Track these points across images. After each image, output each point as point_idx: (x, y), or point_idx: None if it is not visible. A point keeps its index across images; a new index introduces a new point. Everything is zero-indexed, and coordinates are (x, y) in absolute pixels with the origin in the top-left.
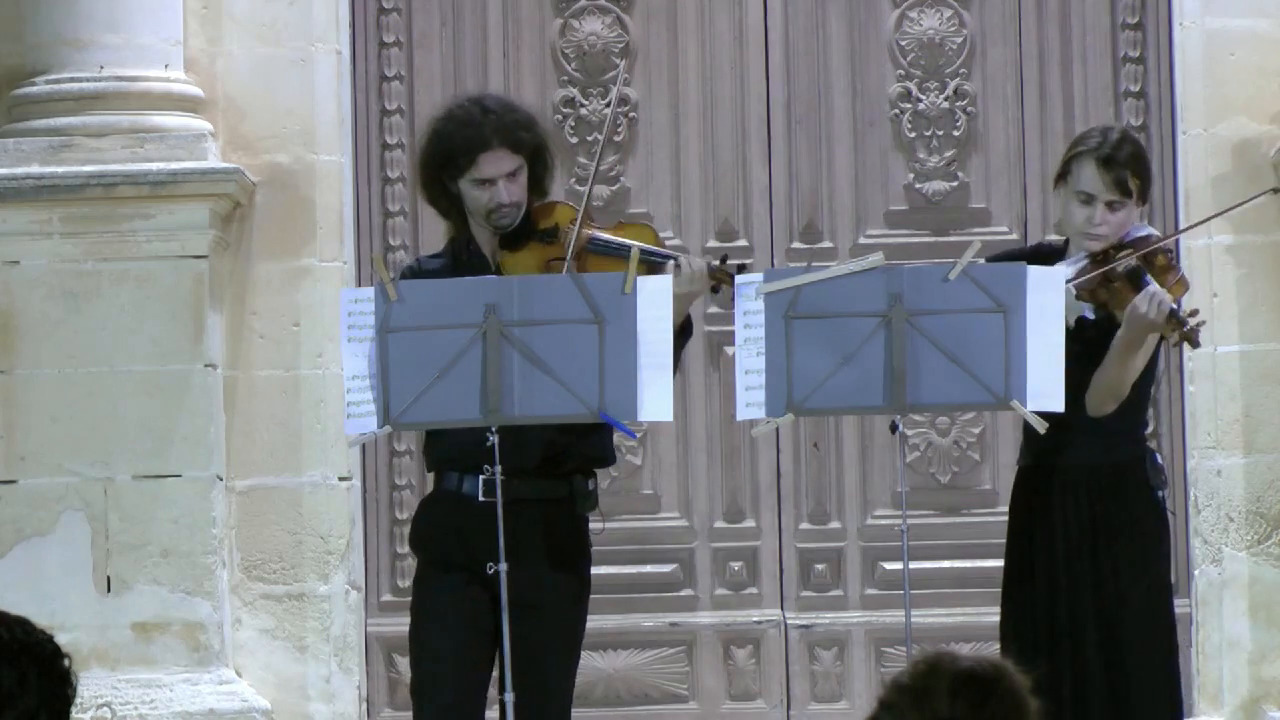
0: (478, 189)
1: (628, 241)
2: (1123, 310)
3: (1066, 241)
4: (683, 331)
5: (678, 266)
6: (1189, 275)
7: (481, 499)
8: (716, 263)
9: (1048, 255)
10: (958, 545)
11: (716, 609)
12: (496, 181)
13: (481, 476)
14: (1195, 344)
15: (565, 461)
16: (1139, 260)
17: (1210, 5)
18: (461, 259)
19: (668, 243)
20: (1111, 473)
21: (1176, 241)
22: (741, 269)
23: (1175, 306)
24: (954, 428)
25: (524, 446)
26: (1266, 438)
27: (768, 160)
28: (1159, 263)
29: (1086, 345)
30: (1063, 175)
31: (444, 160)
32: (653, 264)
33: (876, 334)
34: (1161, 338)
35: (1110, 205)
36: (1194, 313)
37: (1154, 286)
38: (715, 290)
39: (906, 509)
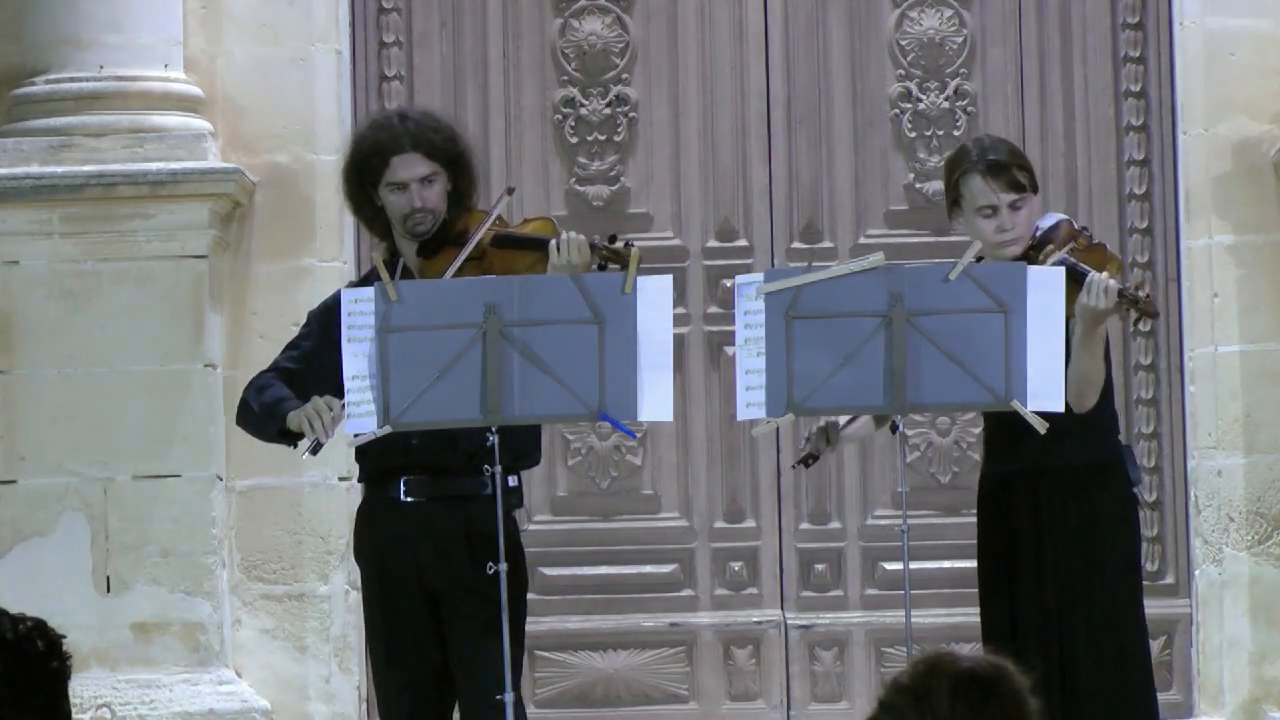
0: (393, 194)
1: (532, 235)
2: (1069, 305)
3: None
4: None
5: (558, 247)
6: (1189, 275)
7: (405, 499)
8: (602, 240)
9: None
10: (958, 545)
11: (716, 609)
12: (409, 185)
13: (404, 478)
14: (1153, 314)
15: (486, 460)
16: (1066, 252)
17: (1210, 5)
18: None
19: (667, 243)
20: (1089, 473)
21: (1178, 234)
22: (629, 245)
23: (1122, 287)
24: (954, 428)
25: (448, 446)
26: (1267, 438)
27: (768, 160)
28: (1082, 244)
29: None
30: (955, 203)
31: (360, 165)
32: (532, 248)
33: (877, 334)
34: (1120, 318)
35: (1013, 206)
36: (1139, 285)
37: (1093, 275)
38: (602, 267)
39: (906, 509)
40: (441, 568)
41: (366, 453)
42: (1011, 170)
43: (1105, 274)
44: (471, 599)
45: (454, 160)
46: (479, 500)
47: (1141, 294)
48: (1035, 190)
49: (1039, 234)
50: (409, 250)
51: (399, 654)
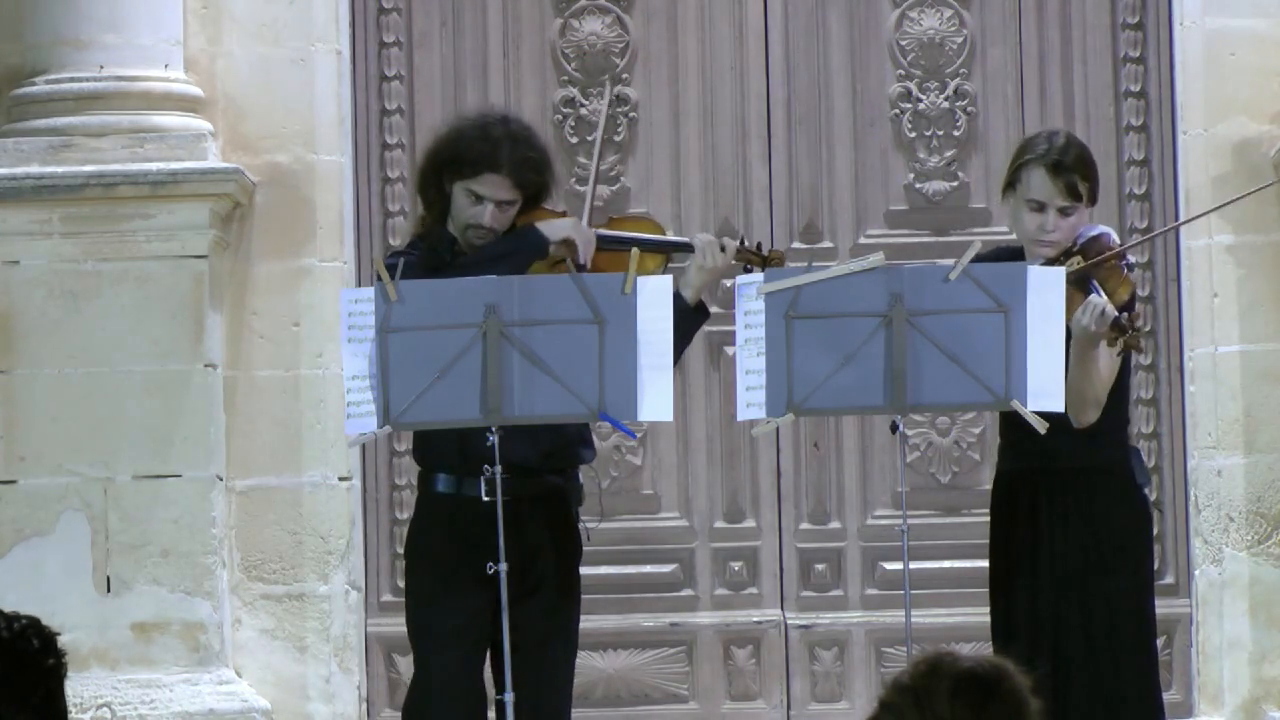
0: (467, 199)
1: (638, 235)
2: (1070, 315)
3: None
4: (699, 311)
5: (704, 252)
6: (1189, 275)
7: (486, 499)
8: (735, 243)
9: (1008, 258)
10: (958, 545)
11: (716, 609)
12: (487, 203)
13: (484, 477)
14: (1138, 350)
15: (560, 458)
16: (1086, 266)
17: (1210, 5)
18: (445, 259)
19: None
20: (1097, 474)
21: (1178, 234)
22: (760, 246)
23: (1118, 315)
24: (954, 428)
25: (524, 444)
26: (1267, 438)
27: (768, 160)
28: (1108, 265)
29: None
30: (1011, 184)
31: (450, 159)
32: (669, 251)
33: (877, 334)
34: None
35: (1062, 211)
36: (1135, 319)
37: (1093, 297)
38: (747, 269)
39: (906, 509)
40: (525, 568)
41: (432, 448)
42: (1073, 176)
43: (1105, 299)
44: (549, 598)
45: (536, 195)
46: (555, 500)
47: (1135, 327)
48: (1091, 203)
49: (1080, 242)
50: (466, 244)
51: (460, 652)
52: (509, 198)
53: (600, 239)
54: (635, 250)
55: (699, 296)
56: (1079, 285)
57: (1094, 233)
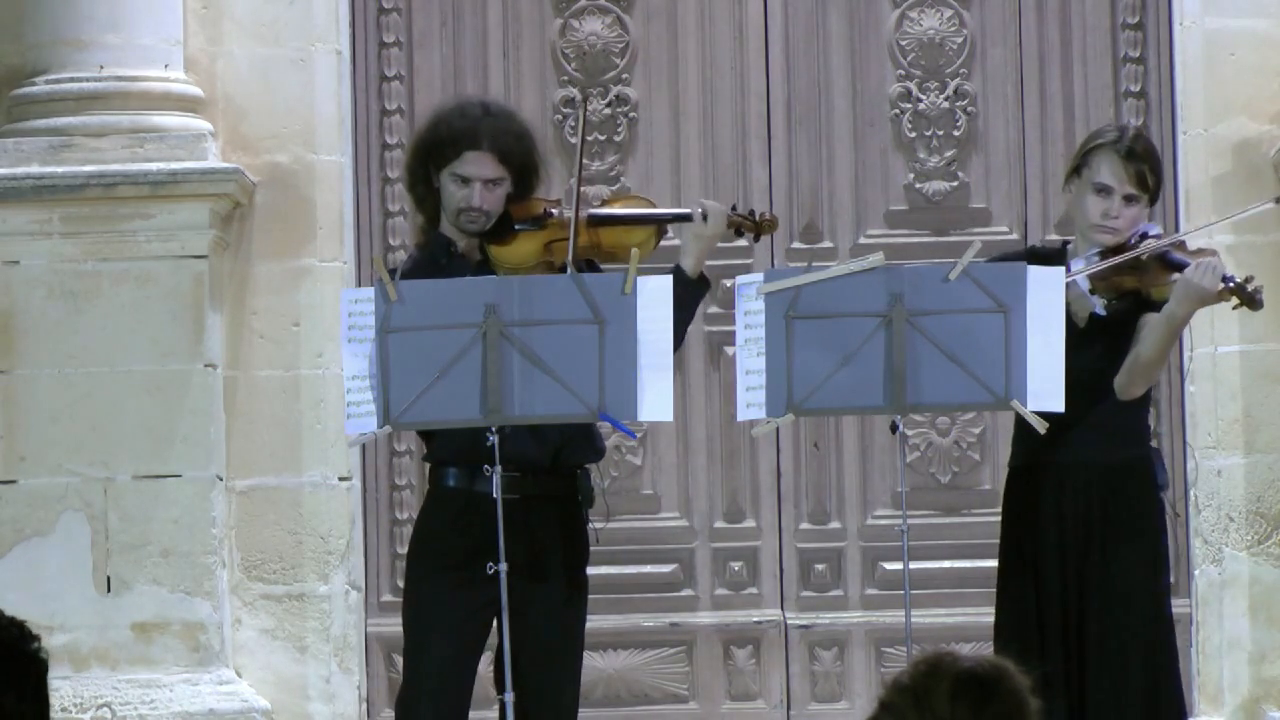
0: (454, 184)
1: (631, 211)
2: (1158, 288)
3: (1065, 244)
4: (701, 282)
5: (704, 216)
6: None
7: (495, 496)
8: (724, 208)
9: (1045, 257)
10: (958, 545)
11: (716, 609)
12: (473, 183)
13: (493, 475)
14: (1258, 305)
15: (572, 457)
16: (1166, 243)
17: (1210, 5)
18: (440, 262)
19: (667, 243)
20: (1118, 472)
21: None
22: (754, 213)
23: (1231, 275)
24: (954, 428)
25: (535, 443)
26: (1266, 438)
27: (768, 160)
28: (1180, 244)
29: (1098, 341)
30: (1077, 169)
31: (432, 146)
32: (665, 222)
33: (877, 334)
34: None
35: (1127, 199)
36: (1249, 278)
37: (1210, 257)
38: (739, 234)
39: (906, 509)
40: (533, 569)
41: (444, 443)
42: (1144, 166)
43: (1219, 259)
44: (558, 599)
45: (523, 168)
46: (566, 500)
47: (1250, 284)
48: (1152, 201)
49: (1141, 232)
50: (459, 235)
51: (461, 666)
52: (494, 174)
53: (595, 218)
54: (635, 251)
55: (699, 268)
56: (1161, 260)
57: (1156, 230)
